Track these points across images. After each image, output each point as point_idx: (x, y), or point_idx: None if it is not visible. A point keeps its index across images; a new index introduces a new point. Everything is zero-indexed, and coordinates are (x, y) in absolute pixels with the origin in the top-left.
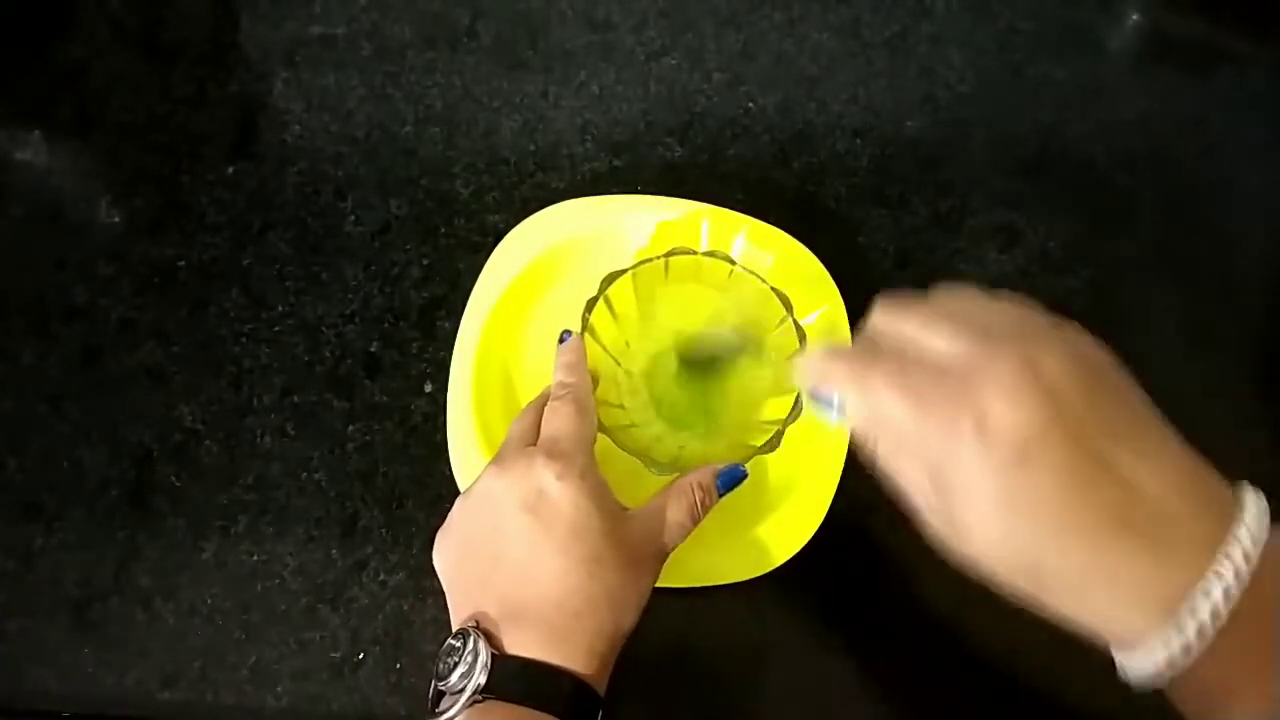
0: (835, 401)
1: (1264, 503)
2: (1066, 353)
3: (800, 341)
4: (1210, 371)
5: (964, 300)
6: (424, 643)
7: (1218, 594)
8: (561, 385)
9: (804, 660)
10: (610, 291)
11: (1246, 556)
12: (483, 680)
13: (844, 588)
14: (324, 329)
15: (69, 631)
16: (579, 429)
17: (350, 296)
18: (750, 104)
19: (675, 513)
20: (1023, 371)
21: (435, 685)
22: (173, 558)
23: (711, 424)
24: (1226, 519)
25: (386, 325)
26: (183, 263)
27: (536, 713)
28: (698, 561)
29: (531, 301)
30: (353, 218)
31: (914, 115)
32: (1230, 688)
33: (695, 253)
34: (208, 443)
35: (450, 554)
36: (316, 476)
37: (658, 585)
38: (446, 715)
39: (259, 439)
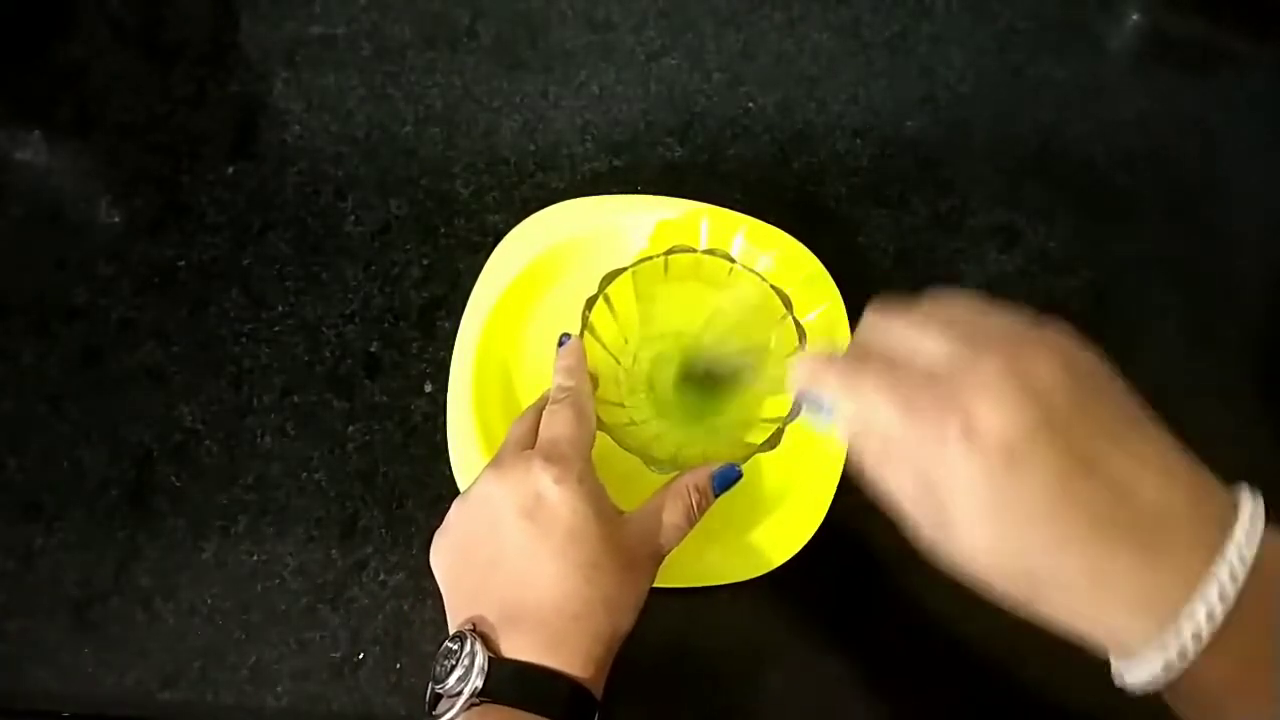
0: (825, 406)
1: (1260, 503)
2: (1055, 356)
3: (800, 340)
4: (1210, 371)
5: (955, 305)
6: (424, 643)
7: (1214, 599)
8: (560, 389)
9: (804, 660)
10: (610, 290)
11: (1243, 559)
12: (480, 683)
13: (844, 588)
14: (324, 329)
15: (69, 631)
16: (577, 433)
17: (350, 296)
18: (750, 104)
19: (671, 515)
20: (1010, 375)
21: (432, 688)
22: (173, 558)
23: (711, 422)
24: (1222, 521)
25: (386, 325)
26: (183, 263)
27: (534, 716)
28: (697, 562)
29: (531, 301)
30: (353, 218)
31: (914, 115)
32: (1230, 690)
33: (695, 251)
34: (208, 443)
35: (447, 557)
36: (316, 476)
37: (657, 586)
38: (444, 718)
39: (259, 439)
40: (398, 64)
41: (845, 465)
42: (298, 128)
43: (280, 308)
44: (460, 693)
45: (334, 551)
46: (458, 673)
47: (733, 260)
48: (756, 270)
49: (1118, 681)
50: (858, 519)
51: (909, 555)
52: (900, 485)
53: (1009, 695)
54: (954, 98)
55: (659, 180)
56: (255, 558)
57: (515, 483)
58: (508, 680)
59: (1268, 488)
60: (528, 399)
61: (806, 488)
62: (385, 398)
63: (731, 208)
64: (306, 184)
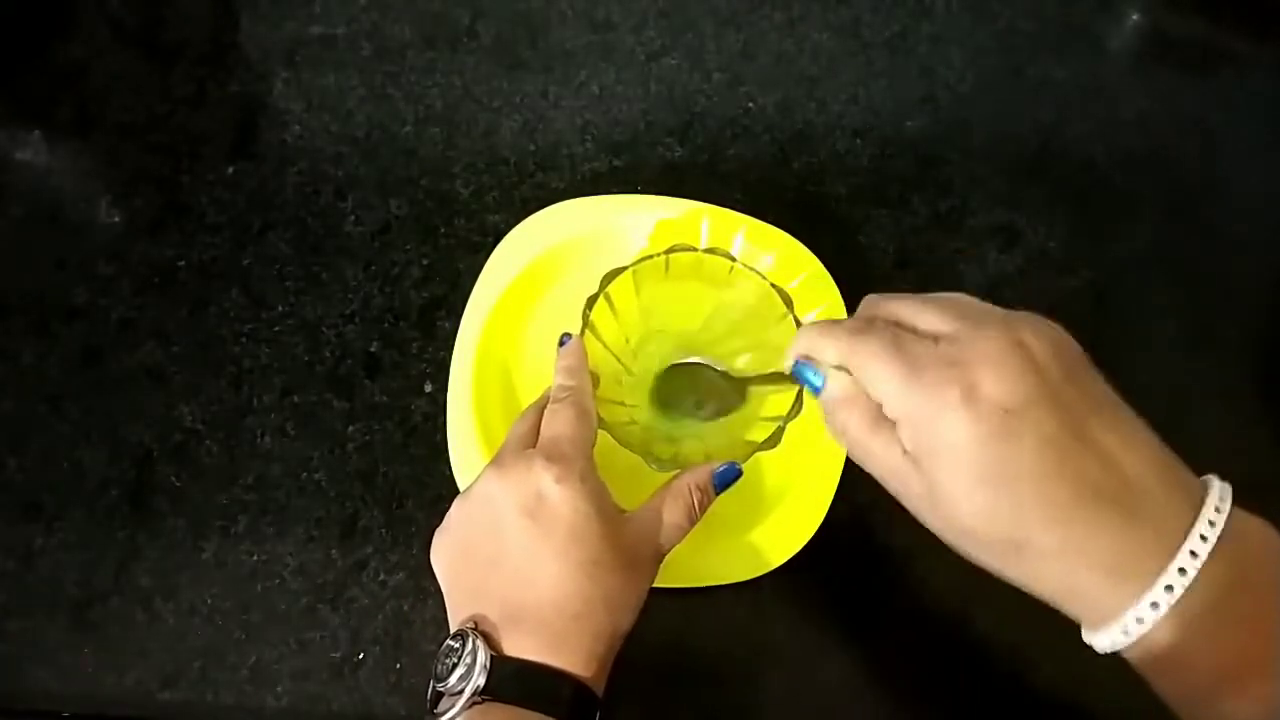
0: (819, 374)
1: (1229, 489)
2: (1048, 336)
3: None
4: (1210, 371)
5: (947, 295)
6: (424, 643)
7: (1184, 565)
8: (562, 388)
9: (804, 660)
10: (611, 289)
11: (1213, 530)
12: (481, 682)
13: (844, 588)
14: (324, 329)
15: (69, 631)
16: (579, 432)
17: (350, 296)
18: (750, 104)
19: (672, 514)
20: (1011, 347)
21: (434, 686)
22: (173, 558)
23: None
24: (1195, 498)
25: (386, 325)
26: (183, 263)
27: (535, 715)
28: (698, 562)
29: (531, 301)
30: (353, 218)
31: (914, 115)
32: (1216, 674)
33: (696, 250)
34: (208, 443)
35: (448, 555)
36: (316, 476)
37: (658, 586)
38: (445, 716)
39: (259, 439)
40: (398, 64)
41: (848, 462)
42: (298, 128)
43: (280, 308)
44: (462, 691)
45: (334, 551)
46: (459, 671)
47: (733, 259)
48: (757, 269)
49: (1087, 639)
50: (858, 519)
51: (909, 555)
52: (886, 454)
53: (1009, 695)
54: (954, 98)
55: (659, 180)
56: (255, 558)
57: (517, 481)
58: (510, 679)
59: (1268, 488)
60: (528, 399)
61: (806, 488)
62: (385, 398)
63: (731, 208)
64: (306, 184)
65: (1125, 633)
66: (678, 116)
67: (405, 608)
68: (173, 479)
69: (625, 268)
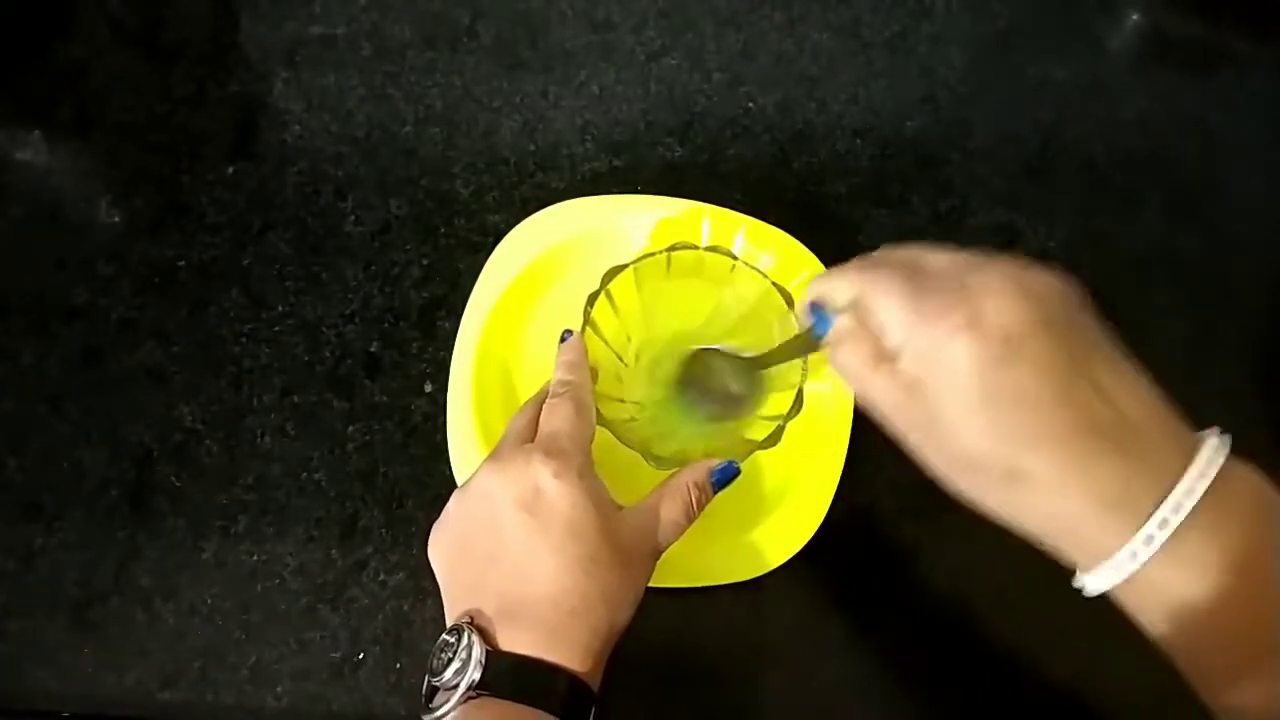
0: (829, 316)
1: (1228, 439)
2: (1052, 279)
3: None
4: (1210, 371)
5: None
6: (424, 643)
7: (1178, 502)
8: (561, 383)
9: (803, 660)
10: (612, 286)
11: (1210, 470)
12: (477, 676)
13: (843, 588)
14: (324, 329)
15: (69, 631)
16: (577, 427)
17: (350, 296)
18: (750, 104)
19: (670, 511)
20: (1014, 280)
21: (429, 680)
22: (173, 558)
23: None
24: (1192, 443)
25: (386, 325)
26: (183, 263)
27: (531, 710)
28: (697, 562)
29: (531, 301)
30: (353, 218)
31: (914, 115)
32: (1185, 596)
33: (697, 248)
34: (208, 443)
35: (445, 549)
36: (316, 476)
37: (658, 586)
38: (441, 711)
39: (259, 439)
40: (398, 64)
41: (848, 463)
42: (298, 128)
43: (280, 308)
44: (457, 685)
45: (334, 551)
46: (455, 665)
47: (735, 257)
48: (758, 268)
49: (1079, 583)
50: (858, 519)
51: (909, 555)
52: (887, 390)
53: (1010, 694)
54: (954, 98)
55: (659, 180)
56: (255, 558)
57: (514, 476)
58: (505, 673)
59: None
60: (528, 398)
61: (806, 488)
62: (385, 398)
63: (731, 208)
64: (306, 184)
65: (1118, 569)
66: (678, 116)
67: (405, 608)
68: (173, 479)
69: (627, 265)
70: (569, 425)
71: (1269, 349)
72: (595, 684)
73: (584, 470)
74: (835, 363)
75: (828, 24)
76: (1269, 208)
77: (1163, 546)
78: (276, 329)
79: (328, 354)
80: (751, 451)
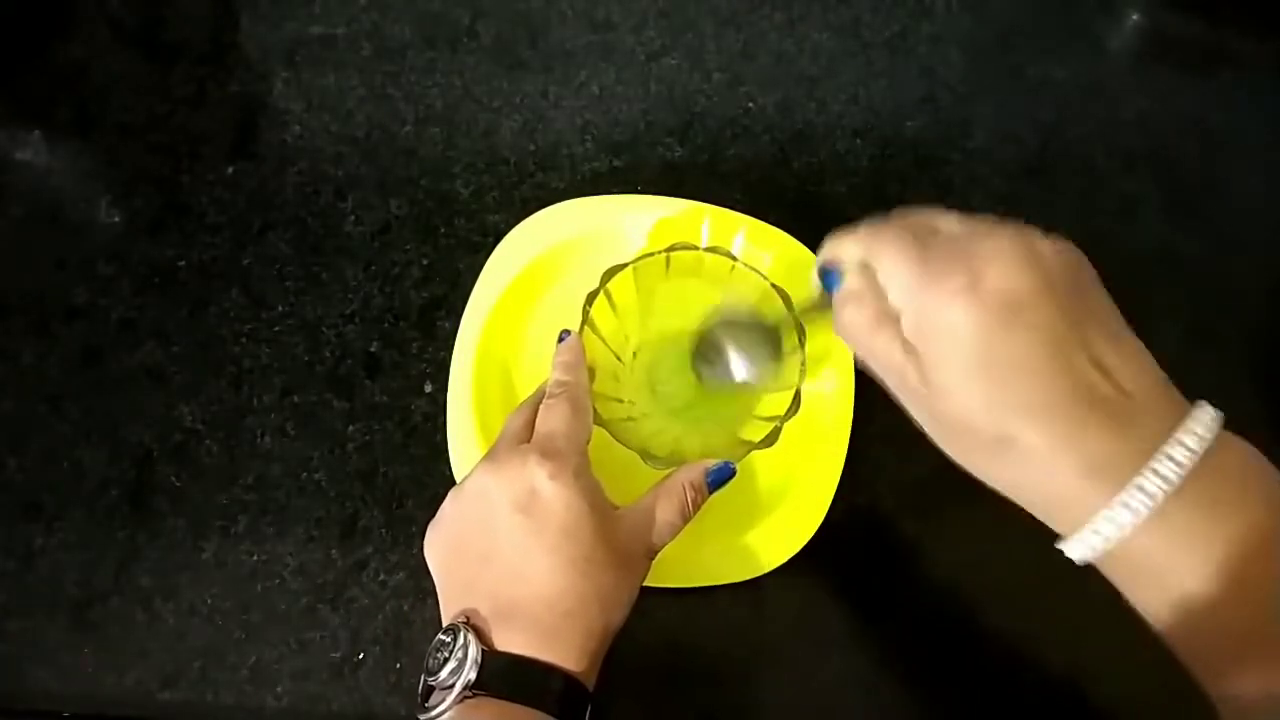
0: (836, 278)
1: (1220, 415)
2: (1059, 246)
3: (800, 338)
4: (1210, 371)
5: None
6: (424, 643)
7: (1165, 470)
8: (558, 383)
9: (803, 660)
10: (611, 285)
11: (1198, 443)
12: (473, 676)
13: (843, 588)
14: (324, 329)
15: (69, 631)
16: (574, 428)
17: (350, 296)
18: (750, 104)
19: (665, 511)
20: (1020, 246)
21: (425, 680)
22: (173, 558)
23: (710, 418)
24: (1182, 411)
25: (386, 325)
26: (183, 263)
27: (527, 709)
28: (697, 562)
29: (531, 301)
30: (353, 218)
31: (914, 115)
32: (1168, 565)
33: (697, 248)
34: (208, 443)
35: (441, 549)
36: (316, 476)
37: (657, 586)
38: (437, 711)
39: (259, 439)
40: (398, 64)
41: (848, 463)
42: (298, 128)
43: (280, 308)
44: (453, 685)
45: (334, 551)
46: (450, 665)
47: (734, 258)
48: (758, 268)
49: (1062, 547)
50: (858, 519)
51: (909, 555)
52: (889, 349)
53: (1009, 694)
54: (954, 98)
55: (659, 180)
56: (255, 558)
57: (510, 477)
58: (501, 673)
59: None
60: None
61: (806, 488)
62: (385, 398)
63: (731, 208)
64: (306, 184)
65: (1097, 533)
66: (678, 116)
67: (405, 608)
68: (173, 479)
69: (626, 265)
70: (565, 426)
71: (1268, 349)
72: (591, 684)
73: (580, 471)
74: (838, 322)
75: (828, 24)
76: (1269, 208)
77: (1147, 516)
78: (276, 329)
79: (328, 354)
80: (748, 452)
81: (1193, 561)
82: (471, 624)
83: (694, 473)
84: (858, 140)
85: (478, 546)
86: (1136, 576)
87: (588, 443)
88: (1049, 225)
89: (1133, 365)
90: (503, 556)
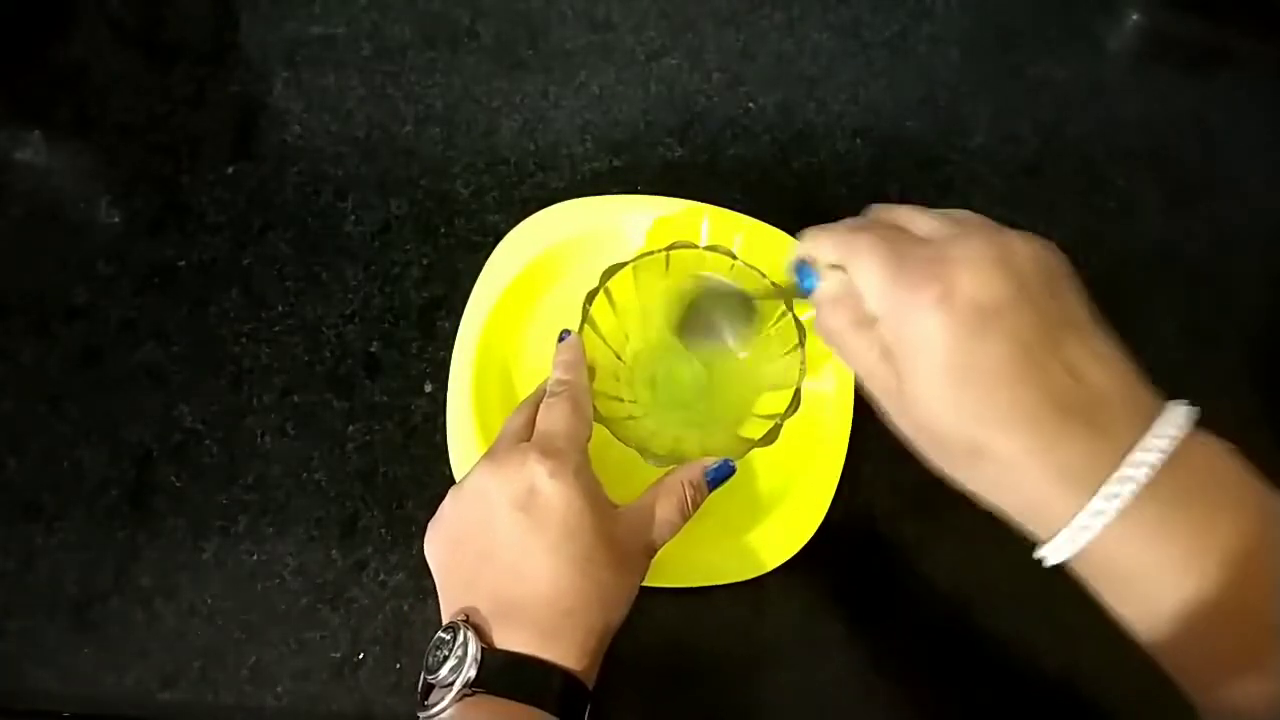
0: (815, 275)
1: (1192, 412)
2: (1034, 247)
3: (799, 336)
4: (1210, 371)
5: (954, 210)
6: (424, 643)
7: (1134, 474)
8: (558, 382)
9: (804, 660)
10: (611, 284)
11: (1166, 443)
12: (473, 674)
13: (843, 588)
14: (324, 329)
15: (69, 631)
16: (574, 427)
17: (350, 296)
18: (750, 104)
19: (665, 510)
20: (994, 251)
21: (424, 678)
22: (173, 558)
23: (710, 416)
24: (1154, 411)
25: (386, 325)
26: (183, 263)
27: (526, 707)
28: (697, 562)
29: (531, 301)
30: (353, 218)
31: (914, 115)
32: (1141, 564)
33: (697, 247)
34: (208, 443)
35: (441, 547)
36: (316, 476)
37: (658, 586)
38: (437, 709)
39: (259, 439)
40: (398, 64)
41: (848, 463)
42: (298, 128)
43: (280, 308)
44: (453, 683)
45: (334, 551)
46: (450, 663)
47: (734, 257)
48: (757, 267)
49: (1039, 555)
50: (858, 519)
51: (908, 555)
52: (865, 354)
53: (1010, 693)
54: (954, 98)
55: (659, 180)
56: (255, 558)
57: (510, 475)
58: (501, 671)
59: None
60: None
61: (806, 488)
62: (385, 398)
63: (731, 208)
64: (306, 184)
65: (1071, 540)
66: (678, 116)
67: (405, 608)
68: (173, 479)
69: (626, 263)
70: (565, 424)
71: (1268, 348)
72: (590, 682)
73: (580, 469)
74: (818, 323)
75: (828, 24)
76: (1269, 207)
77: (1118, 518)
78: (276, 329)
79: (328, 354)
80: (748, 450)
81: (1172, 563)
82: (471, 622)
83: (693, 471)
84: (858, 140)
85: (477, 545)
86: (1118, 584)
87: (588, 441)
88: (1049, 225)
89: (1106, 366)
90: (502, 555)
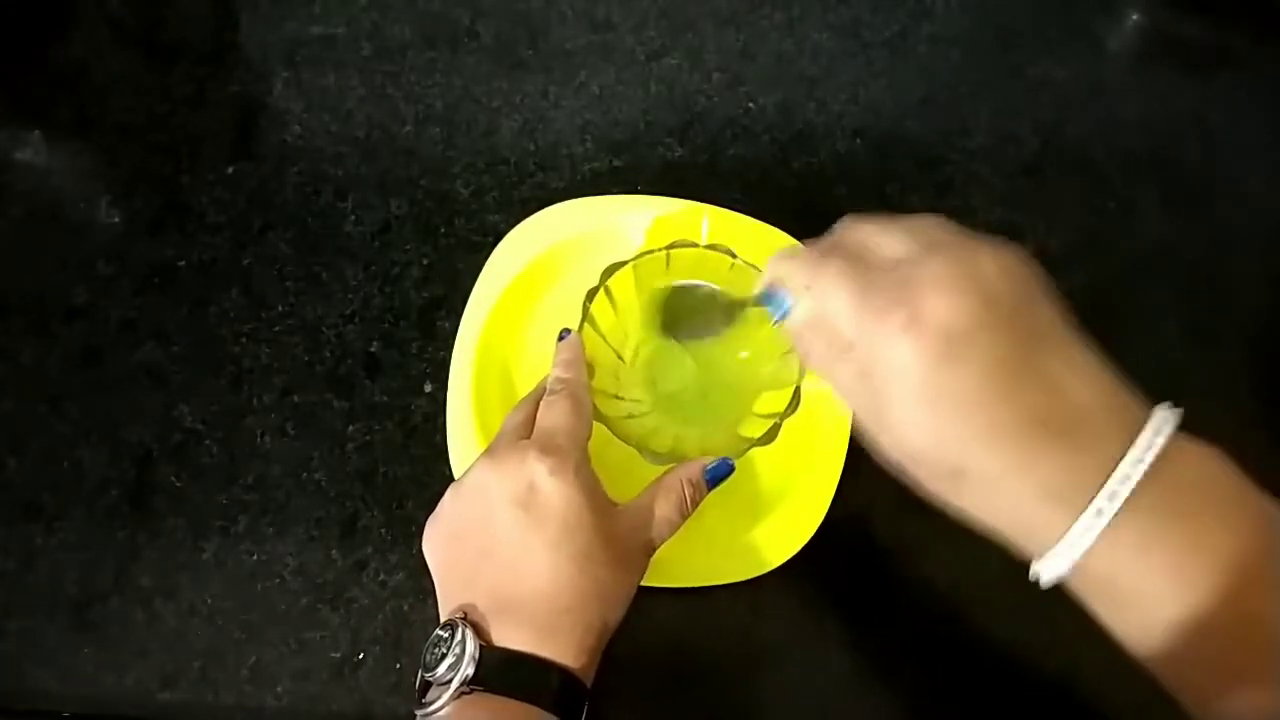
0: (786, 302)
1: (1174, 416)
2: (1001, 262)
3: None
4: (1210, 371)
5: (920, 218)
6: (424, 643)
7: (1119, 489)
8: (558, 380)
9: (804, 660)
10: (611, 282)
11: (1150, 454)
12: (470, 672)
13: (843, 588)
14: (324, 329)
15: (69, 631)
16: (574, 425)
17: (350, 296)
18: (750, 104)
19: (664, 509)
20: (960, 271)
21: (422, 676)
22: (173, 558)
23: (709, 415)
24: (1135, 424)
25: (386, 325)
26: (183, 263)
27: (524, 705)
28: (697, 562)
29: (531, 301)
30: (353, 218)
31: (914, 115)
32: (1131, 576)
33: (697, 245)
34: (208, 443)
35: (440, 544)
36: (316, 476)
37: (658, 586)
38: (435, 706)
39: (259, 439)
40: (398, 64)
41: (848, 462)
42: (298, 128)
43: (280, 308)
44: (450, 681)
45: (334, 551)
46: (448, 661)
47: (734, 256)
48: (757, 266)
49: (1033, 573)
50: (858, 519)
51: (908, 555)
52: (843, 378)
53: (1009, 694)
54: (954, 98)
55: (659, 180)
56: (255, 558)
57: (510, 473)
58: (498, 669)
59: (1267, 487)
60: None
61: (806, 488)
62: (385, 398)
63: (731, 208)
64: (306, 184)
65: (1061, 559)
66: (678, 116)
67: (405, 608)
68: (173, 479)
69: (626, 262)
70: (565, 422)
71: (1268, 349)
72: (589, 680)
73: (580, 467)
74: (798, 346)
75: (828, 24)
76: (1269, 207)
77: (1106, 533)
78: (276, 329)
79: (328, 354)
80: (748, 449)
81: (1166, 575)
82: (469, 619)
83: (692, 469)
84: (858, 140)
85: (476, 542)
86: (1113, 601)
87: (587, 439)
88: (1049, 225)
89: (1085, 377)
90: (501, 552)
